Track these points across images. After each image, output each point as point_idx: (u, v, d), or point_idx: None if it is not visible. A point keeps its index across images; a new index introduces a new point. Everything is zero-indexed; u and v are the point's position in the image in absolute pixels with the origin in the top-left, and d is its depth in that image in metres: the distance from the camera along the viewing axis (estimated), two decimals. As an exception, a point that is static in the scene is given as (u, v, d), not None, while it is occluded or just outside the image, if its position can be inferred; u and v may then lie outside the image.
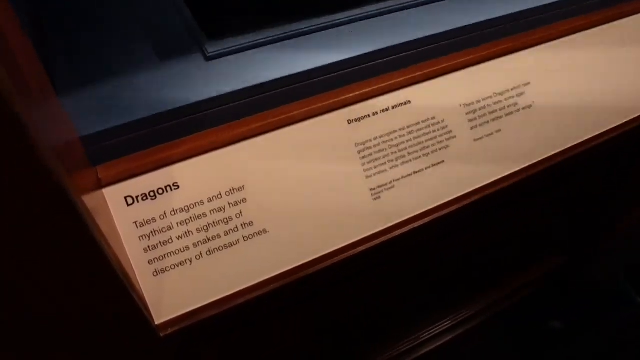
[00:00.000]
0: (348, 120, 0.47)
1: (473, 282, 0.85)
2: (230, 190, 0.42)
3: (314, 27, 0.50)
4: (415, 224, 0.48)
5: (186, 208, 0.41)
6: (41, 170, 0.23)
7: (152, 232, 0.40)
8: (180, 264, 0.40)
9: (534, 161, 0.54)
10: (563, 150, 0.55)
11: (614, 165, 0.77)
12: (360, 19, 0.52)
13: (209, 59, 0.46)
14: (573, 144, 0.56)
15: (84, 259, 0.28)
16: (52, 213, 0.25)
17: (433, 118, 0.50)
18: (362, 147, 0.47)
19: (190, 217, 0.41)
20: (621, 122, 0.59)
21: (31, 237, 0.25)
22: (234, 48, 0.47)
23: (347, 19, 0.51)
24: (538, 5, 0.56)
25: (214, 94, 0.42)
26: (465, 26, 0.52)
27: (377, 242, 0.47)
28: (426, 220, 0.49)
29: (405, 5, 0.54)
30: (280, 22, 0.50)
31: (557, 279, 0.97)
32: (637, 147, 0.70)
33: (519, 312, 0.94)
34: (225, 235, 0.42)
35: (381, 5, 0.54)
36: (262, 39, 0.48)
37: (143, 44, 0.48)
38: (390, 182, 0.48)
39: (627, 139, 0.60)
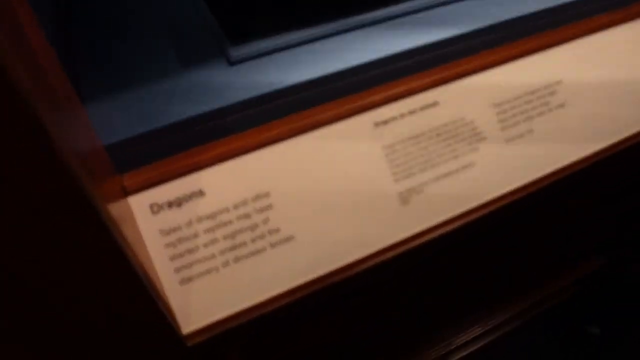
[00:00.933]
0: (375, 123, 0.46)
1: (507, 286, 0.83)
2: (256, 196, 0.42)
3: (338, 29, 0.49)
4: (446, 228, 0.47)
5: (212, 215, 0.40)
6: (66, 178, 0.23)
7: (178, 240, 0.39)
8: (207, 272, 0.40)
9: (569, 162, 0.52)
10: (600, 150, 0.53)
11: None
12: (386, 20, 0.51)
13: (232, 63, 0.46)
14: (610, 142, 0.54)
15: (110, 268, 0.28)
16: (76, 222, 0.25)
17: (462, 119, 0.48)
18: (389, 150, 0.46)
19: (217, 224, 0.40)
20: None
21: (56, 244, 0.25)
22: (258, 52, 0.46)
23: (372, 19, 0.50)
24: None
25: (238, 99, 0.42)
26: (494, 24, 0.51)
27: (406, 247, 0.45)
28: (457, 224, 0.47)
29: (430, 4, 0.53)
30: (304, 24, 0.49)
31: (595, 282, 0.94)
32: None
33: (555, 317, 0.92)
34: (251, 242, 0.41)
35: (406, 5, 0.52)
36: (286, 42, 0.47)
37: (166, 49, 0.48)
38: (419, 186, 0.46)
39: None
